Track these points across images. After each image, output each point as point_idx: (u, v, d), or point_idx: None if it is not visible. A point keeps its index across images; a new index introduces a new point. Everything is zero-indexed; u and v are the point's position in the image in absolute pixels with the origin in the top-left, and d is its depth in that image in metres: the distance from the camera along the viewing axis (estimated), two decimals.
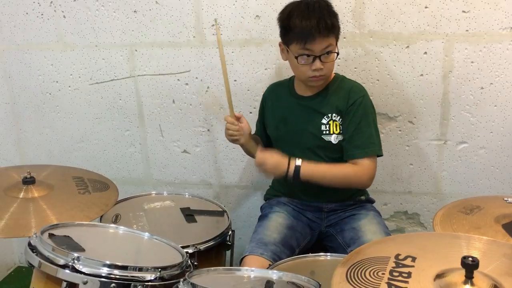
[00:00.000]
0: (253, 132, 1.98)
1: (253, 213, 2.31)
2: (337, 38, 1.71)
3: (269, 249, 1.67)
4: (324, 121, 1.77)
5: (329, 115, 1.77)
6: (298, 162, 1.71)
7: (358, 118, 1.74)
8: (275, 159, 1.74)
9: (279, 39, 1.76)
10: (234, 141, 1.86)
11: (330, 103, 1.77)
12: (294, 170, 1.70)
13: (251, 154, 1.92)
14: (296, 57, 1.68)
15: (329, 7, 1.70)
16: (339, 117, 1.76)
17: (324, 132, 1.77)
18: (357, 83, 1.85)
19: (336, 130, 1.77)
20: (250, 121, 1.93)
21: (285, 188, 1.93)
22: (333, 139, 1.76)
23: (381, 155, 1.77)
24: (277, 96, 1.91)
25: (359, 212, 1.85)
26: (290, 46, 1.70)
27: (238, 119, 1.84)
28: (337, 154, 1.78)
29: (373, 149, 1.74)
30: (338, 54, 1.71)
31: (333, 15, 1.69)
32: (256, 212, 2.27)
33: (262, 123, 1.97)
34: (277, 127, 1.88)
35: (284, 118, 1.85)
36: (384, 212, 2.14)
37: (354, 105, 1.74)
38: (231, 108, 1.84)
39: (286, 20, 1.70)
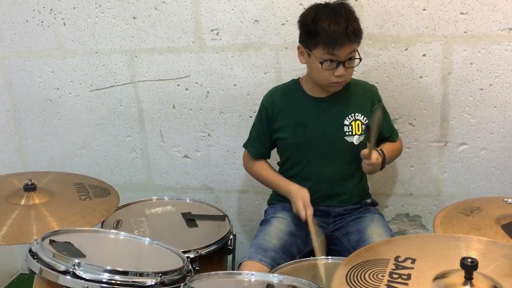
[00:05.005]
0: (243, 140, 1.95)
1: (254, 218, 2.31)
2: (359, 44, 1.69)
3: (268, 255, 1.65)
4: (346, 121, 1.76)
5: (352, 114, 1.77)
6: (380, 152, 1.74)
7: (386, 113, 1.86)
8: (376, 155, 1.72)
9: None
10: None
11: (352, 102, 1.77)
12: (383, 160, 1.75)
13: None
14: (321, 63, 1.64)
15: (353, 12, 1.67)
16: (363, 116, 1.76)
17: (347, 133, 1.76)
18: (365, 81, 1.90)
19: (358, 130, 1.76)
20: (250, 125, 1.94)
21: None
22: (355, 140, 1.76)
23: None
24: (288, 101, 1.82)
25: (364, 215, 1.84)
26: (314, 51, 1.65)
27: None
28: (354, 156, 1.75)
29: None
30: (360, 59, 1.69)
31: (357, 20, 1.66)
32: (257, 216, 2.27)
33: (266, 132, 1.85)
34: (295, 132, 1.79)
35: (302, 122, 1.79)
36: (386, 215, 2.14)
37: (380, 103, 1.80)
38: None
39: (312, 24, 1.63)
